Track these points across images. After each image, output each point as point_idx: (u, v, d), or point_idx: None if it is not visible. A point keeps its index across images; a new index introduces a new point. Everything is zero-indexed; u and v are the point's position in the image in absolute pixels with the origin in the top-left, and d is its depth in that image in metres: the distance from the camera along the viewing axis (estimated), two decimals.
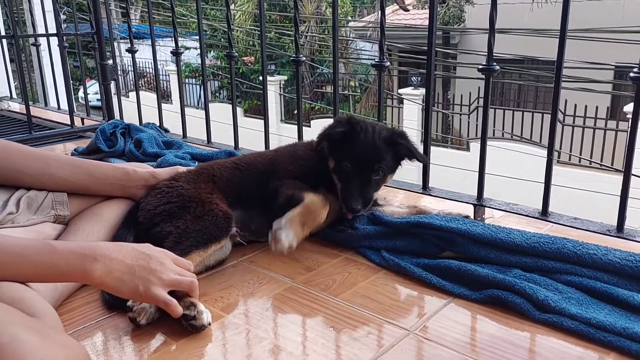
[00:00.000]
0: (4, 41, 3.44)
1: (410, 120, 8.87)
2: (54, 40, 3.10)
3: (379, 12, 1.61)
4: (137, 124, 2.58)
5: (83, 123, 2.86)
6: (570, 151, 7.67)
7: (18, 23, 3.43)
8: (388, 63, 1.64)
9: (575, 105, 7.63)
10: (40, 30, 3.59)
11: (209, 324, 1.04)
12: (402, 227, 1.34)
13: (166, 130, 2.47)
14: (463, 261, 1.21)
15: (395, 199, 1.66)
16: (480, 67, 1.42)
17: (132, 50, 2.47)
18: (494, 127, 8.60)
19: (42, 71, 3.67)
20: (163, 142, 2.25)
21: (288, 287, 1.21)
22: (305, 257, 1.34)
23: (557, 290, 1.13)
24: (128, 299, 1.02)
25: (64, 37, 2.61)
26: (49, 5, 3.36)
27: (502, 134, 8.56)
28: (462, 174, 7.05)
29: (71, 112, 2.65)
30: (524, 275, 1.18)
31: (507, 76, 9.73)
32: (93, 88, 9.99)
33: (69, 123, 2.70)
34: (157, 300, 0.98)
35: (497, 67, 1.40)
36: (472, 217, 1.48)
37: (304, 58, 1.85)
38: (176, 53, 2.29)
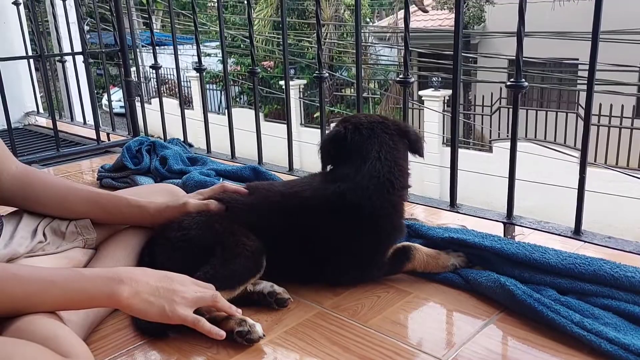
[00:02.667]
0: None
1: (431, 122, 8.78)
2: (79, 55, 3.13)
3: (405, 29, 1.59)
4: (162, 136, 2.61)
5: (109, 138, 2.90)
6: (596, 151, 7.50)
7: (42, 34, 3.49)
8: (413, 79, 1.62)
9: (600, 104, 7.47)
10: (65, 43, 3.64)
11: (264, 335, 1.07)
12: (441, 244, 1.33)
13: (190, 145, 2.48)
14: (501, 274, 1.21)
15: (419, 216, 1.64)
16: (508, 83, 1.39)
17: (156, 67, 2.49)
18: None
19: (68, 85, 3.73)
20: (188, 158, 2.26)
21: (317, 312, 1.20)
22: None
23: (594, 316, 1.10)
24: (156, 321, 1.02)
25: (89, 55, 2.64)
26: (72, 16, 3.40)
27: (526, 134, 8.41)
28: (484, 178, 6.95)
29: (97, 128, 2.69)
30: (558, 299, 1.15)
31: (529, 79, 9.57)
32: (116, 95, 10.15)
33: (95, 138, 2.74)
34: (185, 320, 0.99)
35: (526, 84, 1.37)
36: (503, 234, 1.45)
37: (327, 74, 1.83)
38: (199, 70, 2.30)
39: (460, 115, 9.97)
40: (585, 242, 1.35)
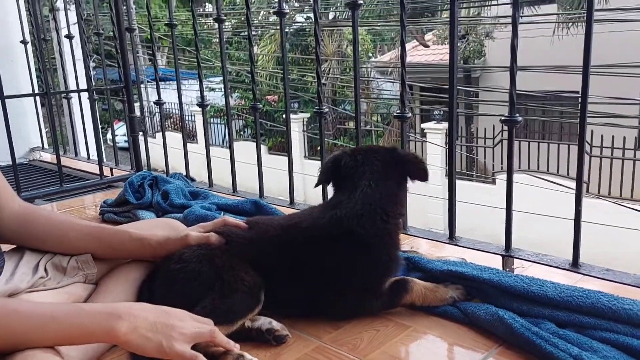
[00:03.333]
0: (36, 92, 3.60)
1: (433, 154, 8.86)
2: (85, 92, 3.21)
3: (401, 66, 1.64)
4: (164, 168, 2.66)
5: (112, 173, 2.94)
6: (599, 183, 7.52)
7: (49, 71, 3.58)
8: (410, 115, 1.66)
9: (602, 136, 7.52)
10: (71, 80, 3.74)
11: None
12: (440, 276, 1.34)
13: (192, 180, 2.52)
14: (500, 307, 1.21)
15: (420, 248, 1.65)
16: (503, 118, 1.43)
17: (159, 103, 2.56)
18: (519, 159, 8.52)
19: (73, 121, 3.81)
20: (190, 192, 2.29)
21: (316, 346, 1.20)
22: None
23: (592, 349, 1.10)
24: (153, 357, 1.02)
25: (94, 92, 2.71)
26: (79, 53, 3.50)
27: (528, 166, 8.45)
28: (488, 209, 6.95)
29: (100, 163, 2.74)
30: (557, 332, 1.15)
31: (530, 112, 9.68)
32: (121, 130, 10.27)
33: (99, 173, 2.79)
34: (183, 356, 0.98)
35: (520, 118, 1.41)
36: (502, 267, 1.46)
37: (327, 109, 1.88)
38: (202, 105, 2.36)
39: (463, 147, 10.07)
40: (583, 274, 1.36)
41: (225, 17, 2.17)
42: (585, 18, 1.31)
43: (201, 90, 2.31)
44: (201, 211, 1.94)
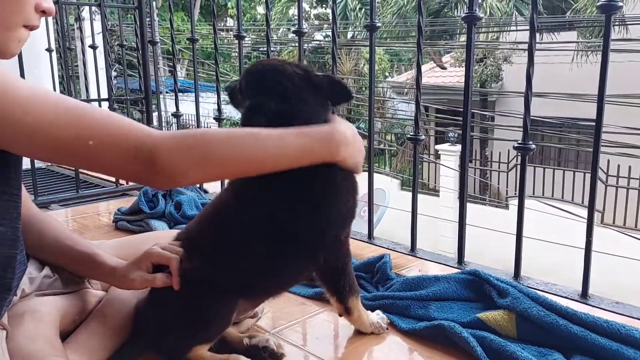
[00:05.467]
0: None
1: (446, 177, 8.84)
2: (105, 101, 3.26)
3: (415, 88, 1.67)
4: None
5: (127, 181, 2.98)
6: (615, 213, 7.43)
7: (72, 78, 3.65)
8: (423, 137, 1.68)
9: (619, 165, 7.45)
10: (92, 87, 3.81)
11: None
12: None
13: (205, 192, 2.55)
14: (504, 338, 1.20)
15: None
16: (515, 145, 1.44)
17: (177, 115, 2.61)
18: (534, 185, 8.46)
19: None
20: (202, 204, 2.32)
21: None
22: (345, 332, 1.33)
23: None
24: None
25: (114, 101, 2.77)
26: (101, 62, 3.56)
27: (542, 192, 8.39)
28: (500, 233, 6.89)
29: None
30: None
31: (546, 139, 9.63)
32: None
33: (114, 180, 2.83)
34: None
35: (533, 147, 1.41)
36: None
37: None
38: (218, 119, 2.40)
39: (476, 171, 10.02)
40: (592, 306, 1.35)
41: (245, 34, 2.21)
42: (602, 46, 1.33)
43: (219, 105, 2.35)
44: None
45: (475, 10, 1.52)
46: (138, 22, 2.50)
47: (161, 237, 1.39)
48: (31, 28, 0.98)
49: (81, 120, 0.89)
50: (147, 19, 2.63)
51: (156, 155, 0.87)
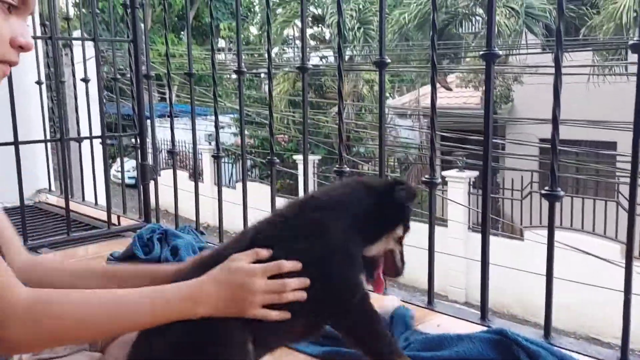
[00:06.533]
0: (48, 134, 3.67)
1: (455, 205, 8.74)
2: (96, 126, 3.19)
3: (431, 129, 1.64)
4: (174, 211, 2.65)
5: (119, 221, 2.95)
6: None
7: (64, 110, 3.64)
8: (439, 181, 1.65)
9: None
10: (83, 118, 3.79)
11: None
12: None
13: (202, 234, 2.52)
14: None
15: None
16: (543, 192, 1.41)
17: (173, 152, 2.60)
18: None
19: (82, 164, 3.85)
20: (200, 248, 2.28)
21: None
22: None
23: None
24: None
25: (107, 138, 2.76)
26: (93, 92, 3.54)
27: (561, 222, 8.31)
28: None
29: (109, 212, 2.75)
30: None
31: (562, 168, 9.59)
32: (129, 164, 10.31)
33: (106, 220, 2.80)
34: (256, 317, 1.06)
35: (562, 193, 1.39)
36: None
37: (348, 169, 1.88)
38: (217, 157, 2.38)
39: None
40: None
41: (244, 69, 2.21)
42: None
43: (217, 144, 2.34)
44: None
45: (494, 47, 1.51)
46: (133, 57, 2.50)
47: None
48: (10, 64, 0.96)
49: None
50: (142, 55, 2.64)
51: (5, 327, 0.92)
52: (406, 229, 1.23)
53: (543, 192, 1.41)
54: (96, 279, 1.32)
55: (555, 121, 1.39)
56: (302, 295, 1.07)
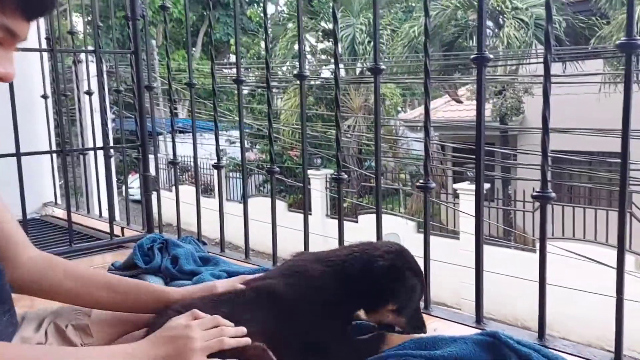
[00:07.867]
0: (54, 148, 3.75)
1: (467, 217, 8.73)
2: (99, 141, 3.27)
3: (424, 135, 1.67)
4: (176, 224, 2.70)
5: (123, 232, 3.00)
6: None
7: (67, 122, 3.72)
8: (434, 185, 1.67)
9: None
10: (88, 131, 3.86)
11: None
12: None
13: (204, 244, 2.55)
14: None
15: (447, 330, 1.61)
16: (534, 194, 1.43)
17: (174, 162, 2.65)
18: (563, 226, 8.35)
19: (87, 176, 3.92)
20: (200, 257, 2.31)
21: None
22: None
23: None
24: None
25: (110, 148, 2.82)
26: (97, 107, 3.63)
27: (573, 233, 8.26)
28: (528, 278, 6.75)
29: (111, 224, 2.80)
30: None
31: (574, 178, 9.55)
32: (136, 182, 10.46)
33: (109, 232, 2.84)
34: None
35: (553, 195, 1.40)
36: None
37: (346, 176, 1.91)
38: (217, 167, 2.42)
39: (499, 211, 9.94)
40: None
41: (244, 78, 2.26)
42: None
43: (217, 153, 2.38)
44: (211, 279, 1.95)
45: (485, 51, 1.54)
46: (134, 68, 2.57)
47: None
48: None
49: None
50: (144, 67, 2.70)
51: None
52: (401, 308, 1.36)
53: (534, 194, 1.43)
54: (97, 289, 1.36)
55: (545, 124, 1.41)
56: (247, 341, 1.12)
